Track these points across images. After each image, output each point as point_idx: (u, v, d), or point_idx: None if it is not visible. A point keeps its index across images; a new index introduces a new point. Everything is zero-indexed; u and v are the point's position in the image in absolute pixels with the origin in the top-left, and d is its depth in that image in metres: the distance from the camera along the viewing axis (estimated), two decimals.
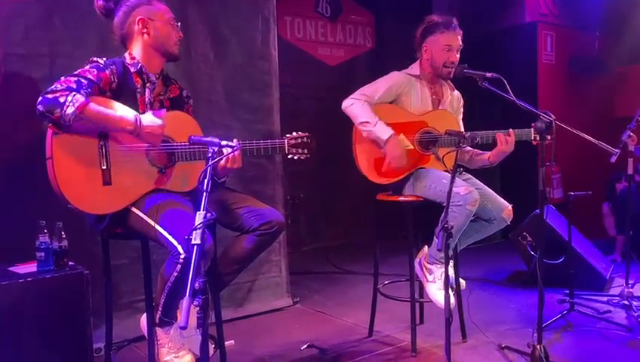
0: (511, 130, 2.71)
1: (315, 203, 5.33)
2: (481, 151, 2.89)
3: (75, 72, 2.05)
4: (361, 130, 2.73)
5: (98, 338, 2.55)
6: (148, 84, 2.23)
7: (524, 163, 4.58)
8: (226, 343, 2.43)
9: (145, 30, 2.20)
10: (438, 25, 2.82)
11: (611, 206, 4.68)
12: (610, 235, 4.64)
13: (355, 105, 2.73)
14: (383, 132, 2.68)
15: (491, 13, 5.39)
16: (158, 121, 2.07)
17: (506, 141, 2.69)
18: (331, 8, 5.42)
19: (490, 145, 2.78)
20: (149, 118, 2.06)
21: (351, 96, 2.78)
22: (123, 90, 2.14)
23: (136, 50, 2.22)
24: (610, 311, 3.22)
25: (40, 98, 1.93)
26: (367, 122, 2.69)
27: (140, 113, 2.13)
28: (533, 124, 2.50)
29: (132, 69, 2.20)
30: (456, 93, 2.97)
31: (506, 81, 2.42)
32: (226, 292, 2.91)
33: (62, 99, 1.92)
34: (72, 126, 1.94)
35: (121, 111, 2.04)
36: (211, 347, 2.20)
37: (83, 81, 2.01)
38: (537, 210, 3.72)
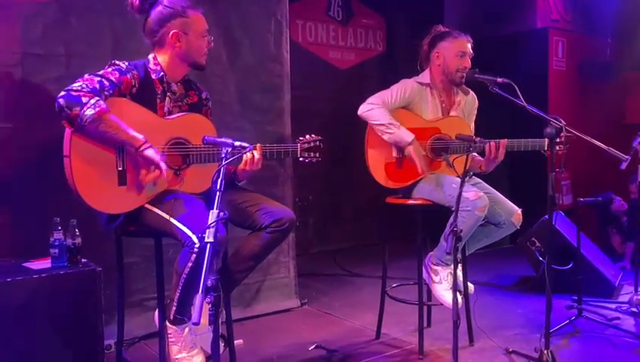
0: (505, 140, 2.70)
1: (323, 205, 5.35)
2: (480, 158, 2.89)
3: (99, 73, 2.07)
4: (382, 134, 2.74)
5: (108, 335, 2.58)
6: (169, 93, 2.26)
7: (533, 168, 4.58)
8: (234, 342, 2.45)
9: (177, 44, 2.21)
10: (450, 32, 2.85)
11: (613, 226, 4.70)
12: (619, 252, 4.63)
13: (374, 110, 2.75)
14: (405, 135, 2.71)
15: (502, 18, 5.39)
16: (160, 163, 2.05)
17: (496, 148, 2.68)
18: (343, 12, 5.44)
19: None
20: (152, 152, 2.05)
21: (367, 101, 2.79)
22: (143, 94, 2.16)
23: (162, 58, 2.24)
24: (618, 318, 3.21)
25: (63, 92, 1.96)
26: (391, 124, 2.71)
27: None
28: (545, 133, 2.49)
29: (154, 76, 2.22)
30: (471, 95, 2.97)
31: (516, 87, 2.44)
32: (235, 293, 2.92)
33: (84, 100, 1.95)
34: (86, 128, 1.96)
35: (124, 118, 2.04)
36: (221, 345, 2.23)
37: (105, 82, 2.04)
38: (546, 216, 3.75)
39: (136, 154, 2.05)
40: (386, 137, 2.74)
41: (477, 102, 3.00)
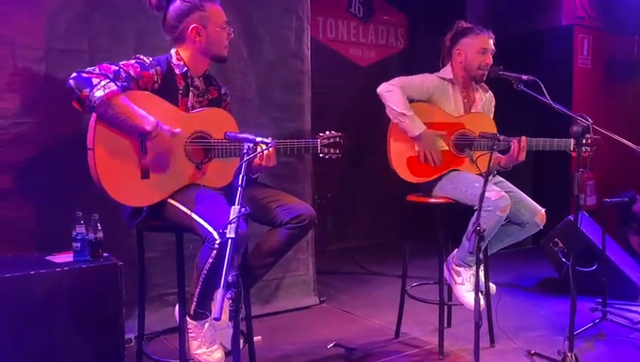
0: (523, 137, 2.66)
1: (342, 203, 5.32)
2: (499, 155, 2.85)
3: (119, 63, 2.08)
4: (393, 119, 2.72)
5: (128, 329, 2.59)
6: (192, 88, 2.26)
7: (557, 167, 4.50)
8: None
9: (197, 38, 2.21)
10: (472, 28, 2.82)
11: (631, 227, 4.61)
12: (639, 253, 4.54)
13: (393, 93, 2.71)
14: (415, 127, 2.68)
15: (526, 15, 5.30)
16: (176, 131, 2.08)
17: (519, 148, 2.65)
18: (364, 9, 5.41)
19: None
20: (168, 127, 2.07)
21: (389, 82, 2.76)
22: (165, 90, 2.17)
23: (184, 53, 2.24)
24: None
25: (74, 74, 1.97)
26: (403, 113, 2.69)
27: None
28: (571, 131, 2.44)
29: (177, 71, 2.22)
30: (489, 94, 2.95)
31: (542, 84, 2.39)
32: (254, 289, 2.93)
33: (94, 81, 1.95)
34: (96, 109, 1.96)
35: (146, 112, 2.04)
36: (240, 341, 2.22)
37: (122, 73, 2.05)
38: (570, 216, 3.68)
39: (156, 134, 2.03)
40: (395, 121, 2.72)
41: (494, 100, 2.97)
